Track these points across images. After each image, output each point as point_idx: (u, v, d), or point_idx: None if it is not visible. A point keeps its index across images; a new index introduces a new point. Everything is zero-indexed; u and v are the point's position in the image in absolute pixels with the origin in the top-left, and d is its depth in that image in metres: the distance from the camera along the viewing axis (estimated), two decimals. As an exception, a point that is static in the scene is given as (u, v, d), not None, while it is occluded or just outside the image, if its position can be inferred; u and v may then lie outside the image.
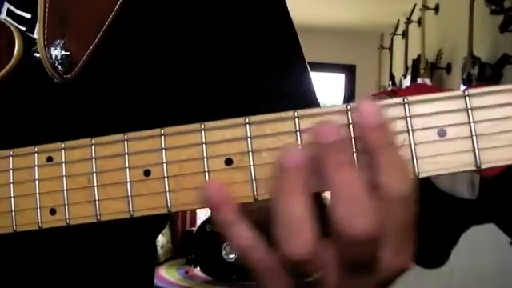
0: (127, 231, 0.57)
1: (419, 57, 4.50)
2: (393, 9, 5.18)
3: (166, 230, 4.52)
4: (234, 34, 0.63)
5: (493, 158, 0.36)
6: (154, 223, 0.68)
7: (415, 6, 4.78)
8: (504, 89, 0.36)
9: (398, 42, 5.36)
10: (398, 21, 5.25)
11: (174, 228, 4.67)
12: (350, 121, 0.38)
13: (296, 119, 0.39)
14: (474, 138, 0.36)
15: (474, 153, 0.36)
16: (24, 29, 0.55)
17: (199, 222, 4.33)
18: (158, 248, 4.36)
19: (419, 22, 4.69)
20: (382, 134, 0.37)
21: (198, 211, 4.31)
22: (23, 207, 0.45)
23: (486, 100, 0.36)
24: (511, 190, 2.18)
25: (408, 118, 0.37)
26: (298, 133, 0.39)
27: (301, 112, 0.39)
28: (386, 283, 0.41)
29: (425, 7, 4.59)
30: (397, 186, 0.36)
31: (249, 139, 0.40)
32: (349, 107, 0.38)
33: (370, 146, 0.37)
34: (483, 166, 0.36)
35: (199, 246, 4.09)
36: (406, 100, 0.37)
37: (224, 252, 3.90)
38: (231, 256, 3.87)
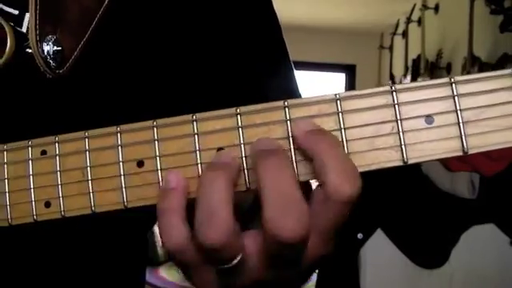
0: (118, 225, 0.57)
1: (419, 56, 4.51)
2: (393, 9, 5.18)
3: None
4: (220, 32, 0.63)
5: (479, 144, 0.37)
6: (144, 216, 0.68)
7: (415, 5, 4.79)
8: (490, 75, 0.37)
9: (398, 41, 5.36)
10: (398, 20, 5.25)
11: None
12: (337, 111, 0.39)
13: (286, 109, 0.39)
14: (461, 124, 0.37)
15: (461, 139, 0.37)
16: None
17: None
18: (159, 248, 4.35)
19: (419, 22, 4.69)
20: (323, 137, 0.38)
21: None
22: (18, 201, 0.45)
23: (473, 87, 0.37)
24: (511, 190, 2.18)
25: (396, 106, 0.38)
26: (289, 122, 0.39)
27: (291, 101, 0.40)
28: (307, 270, 0.42)
29: (425, 7, 4.59)
30: (343, 187, 0.37)
31: (239, 129, 0.40)
32: (338, 96, 0.38)
33: (314, 150, 0.38)
34: (470, 152, 0.37)
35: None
36: (393, 88, 0.38)
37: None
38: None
